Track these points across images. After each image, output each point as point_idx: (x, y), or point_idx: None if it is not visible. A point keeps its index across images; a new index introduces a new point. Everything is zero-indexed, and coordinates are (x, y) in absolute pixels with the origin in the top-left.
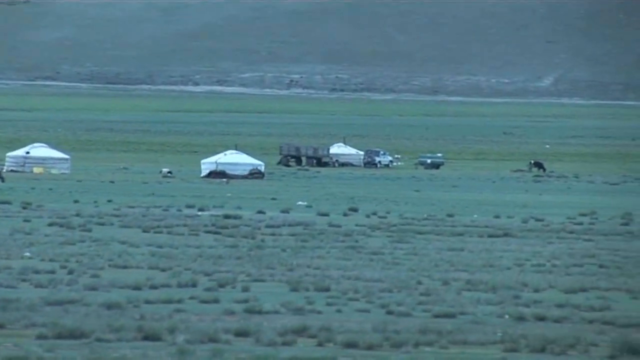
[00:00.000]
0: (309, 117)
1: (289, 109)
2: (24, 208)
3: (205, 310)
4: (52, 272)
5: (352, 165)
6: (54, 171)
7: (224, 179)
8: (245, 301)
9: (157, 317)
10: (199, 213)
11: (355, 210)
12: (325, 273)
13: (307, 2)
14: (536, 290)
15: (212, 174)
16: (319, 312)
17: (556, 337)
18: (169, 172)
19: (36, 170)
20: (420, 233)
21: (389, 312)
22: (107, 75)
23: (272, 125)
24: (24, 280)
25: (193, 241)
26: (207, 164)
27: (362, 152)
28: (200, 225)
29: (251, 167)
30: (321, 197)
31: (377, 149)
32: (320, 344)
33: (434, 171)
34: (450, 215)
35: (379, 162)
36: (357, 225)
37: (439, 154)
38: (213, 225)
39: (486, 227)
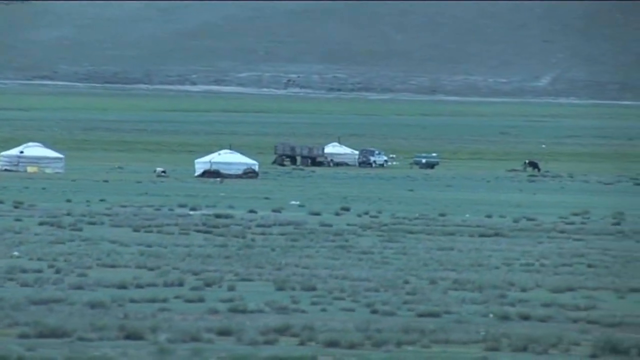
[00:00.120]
0: (306, 116)
1: (286, 108)
2: (16, 207)
3: (189, 310)
4: (40, 271)
5: (347, 164)
6: (48, 170)
7: (218, 179)
8: (230, 300)
9: (140, 316)
10: (191, 212)
11: (347, 209)
12: (312, 272)
13: (305, 1)
14: (523, 290)
15: (206, 174)
16: (303, 312)
17: (538, 336)
18: (163, 172)
19: (30, 169)
20: (411, 232)
21: (374, 311)
22: (104, 75)
23: (268, 125)
24: (10, 279)
25: (183, 240)
26: (201, 164)
27: (357, 152)
28: (191, 225)
29: (245, 167)
30: (314, 196)
31: (372, 149)
32: (302, 343)
33: (428, 171)
34: (442, 215)
35: (374, 161)
36: (348, 224)
37: (434, 154)
38: (204, 224)
39: (477, 226)
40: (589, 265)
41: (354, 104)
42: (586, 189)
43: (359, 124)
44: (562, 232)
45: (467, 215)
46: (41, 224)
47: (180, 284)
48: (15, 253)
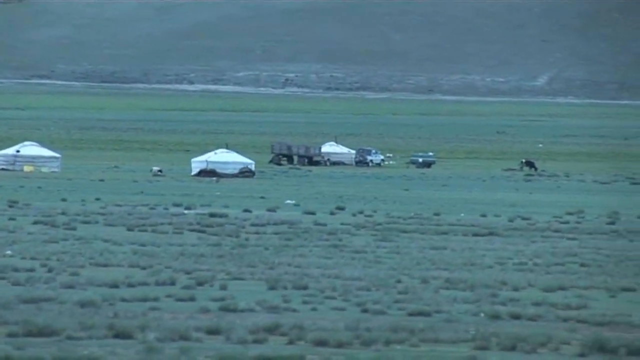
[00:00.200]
0: (303, 116)
1: (284, 107)
2: (10, 206)
3: (180, 309)
4: (32, 270)
5: (343, 164)
6: (44, 169)
7: (214, 178)
8: (222, 299)
9: (130, 315)
10: (185, 211)
11: (342, 208)
12: (305, 271)
13: (303, 1)
14: (515, 289)
15: (203, 173)
16: (294, 310)
17: (528, 335)
18: (159, 171)
19: (26, 168)
20: (404, 232)
21: (364, 311)
22: (102, 74)
23: (265, 124)
24: (2, 278)
25: (176, 239)
26: (198, 163)
27: (353, 151)
28: (185, 224)
29: (241, 166)
30: (310, 195)
31: (369, 148)
32: (291, 342)
33: (425, 170)
34: (436, 214)
35: (371, 161)
36: (342, 224)
37: (431, 153)
38: (198, 223)
39: (472, 225)
40: (582, 265)
41: (352, 104)
42: (582, 189)
43: (356, 124)
44: (556, 231)
45: (462, 215)
46: (35, 223)
47: (172, 283)
48: (8, 252)
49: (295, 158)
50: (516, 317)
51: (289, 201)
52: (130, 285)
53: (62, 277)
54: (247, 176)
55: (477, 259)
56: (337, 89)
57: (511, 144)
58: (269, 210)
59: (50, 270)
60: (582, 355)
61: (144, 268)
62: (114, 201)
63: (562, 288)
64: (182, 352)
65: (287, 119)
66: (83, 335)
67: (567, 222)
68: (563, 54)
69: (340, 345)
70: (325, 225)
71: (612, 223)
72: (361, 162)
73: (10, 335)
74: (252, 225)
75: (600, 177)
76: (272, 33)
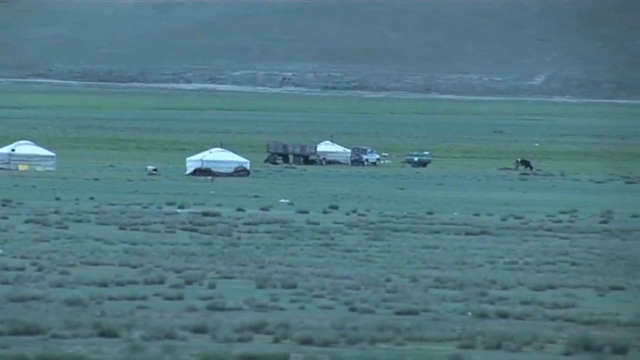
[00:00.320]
0: (300, 115)
1: (281, 107)
2: (4, 205)
3: (168, 307)
4: (22, 269)
5: (339, 163)
6: (39, 168)
7: (209, 177)
8: (210, 298)
9: (118, 313)
10: (178, 210)
11: (335, 207)
12: (295, 270)
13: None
14: (504, 288)
15: (198, 172)
16: (282, 309)
17: (513, 333)
18: (155, 170)
19: (21, 167)
20: (396, 230)
21: (352, 309)
22: (99, 73)
23: (262, 123)
24: None
25: (168, 238)
26: (193, 162)
27: (349, 150)
28: (178, 223)
29: (236, 165)
30: (304, 194)
31: (365, 147)
32: (276, 341)
33: (420, 169)
34: (429, 213)
35: (366, 160)
36: (335, 222)
37: (426, 152)
38: (190, 222)
39: (464, 224)
40: (573, 264)
41: (349, 103)
42: (577, 188)
43: (352, 123)
44: (548, 230)
45: (455, 214)
46: (27, 221)
47: (161, 282)
48: None
49: (291, 157)
50: (504, 315)
51: (282, 200)
52: (120, 284)
53: (51, 275)
54: (242, 175)
55: (468, 258)
56: (335, 88)
57: (508, 143)
58: (262, 209)
59: (40, 269)
60: (567, 353)
61: (134, 267)
62: (108, 200)
63: (552, 287)
64: (166, 350)
65: (285, 118)
66: (68, 334)
67: (560, 221)
68: (560, 54)
69: (325, 344)
70: (317, 224)
71: (605, 222)
72: (357, 161)
73: None
74: (245, 224)
75: (596, 176)
76: (269, 32)
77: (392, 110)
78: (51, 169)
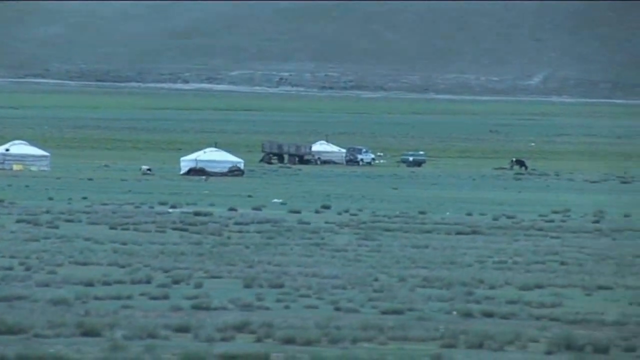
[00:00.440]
0: (297, 114)
1: (278, 106)
2: None
3: (153, 307)
4: (10, 268)
5: (334, 162)
6: (33, 168)
7: (203, 177)
8: (195, 297)
9: (102, 313)
10: (170, 210)
11: (327, 207)
12: (283, 270)
13: (297, 0)
14: (491, 287)
15: (192, 172)
16: (267, 309)
17: (496, 332)
18: (149, 170)
19: (16, 167)
20: (388, 230)
21: (337, 309)
22: (96, 73)
23: (259, 123)
24: None
25: (158, 238)
26: (187, 162)
27: (344, 150)
28: (169, 222)
29: (231, 165)
30: (298, 194)
31: (360, 147)
32: (259, 340)
33: (415, 169)
34: (422, 213)
35: (361, 159)
36: (326, 222)
37: (421, 152)
38: (181, 222)
39: (456, 224)
40: (562, 263)
41: (346, 103)
42: (571, 187)
43: (349, 122)
44: (539, 229)
45: (448, 213)
46: (18, 221)
47: (148, 282)
48: None
49: (286, 157)
50: (489, 315)
51: (275, 200)
52: (106, 284)
53: (39, 275)
54: (236, 175)
55: (457, 258)
56: (332, 88)
57: (504, 143)
58: (254, 208)
59: (27, 269)
60: (549, 352)
61: (122, 266)
62: (101, 200)
63: (539, 286)
64: (146, 350)
65: (282, 118)
66: (51, 333)
67: (552, 221)
68: (557, 53)
69: (307, 343)
70: (308, 224)
71: (597, 222)
72: (352, 161)
73: None
74: (236, 223)
75: (591, 176)
76: (266, 32)
77: (389, 110)
78: (45, 168)
